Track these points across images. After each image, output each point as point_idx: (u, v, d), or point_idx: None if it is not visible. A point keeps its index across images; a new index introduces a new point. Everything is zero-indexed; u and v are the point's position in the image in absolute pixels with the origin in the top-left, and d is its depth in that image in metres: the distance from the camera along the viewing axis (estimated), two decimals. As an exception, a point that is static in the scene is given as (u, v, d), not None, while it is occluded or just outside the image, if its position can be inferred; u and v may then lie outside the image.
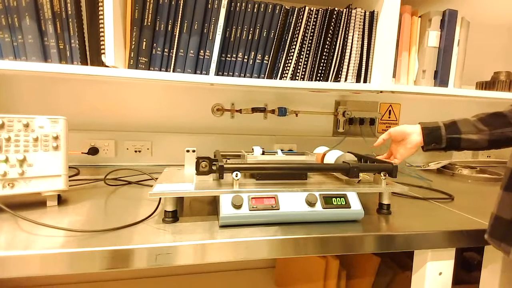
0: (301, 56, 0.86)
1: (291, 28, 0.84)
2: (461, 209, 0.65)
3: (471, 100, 1.29)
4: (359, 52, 0.88)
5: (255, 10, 0.82)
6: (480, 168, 1.09)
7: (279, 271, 1.06)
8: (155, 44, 0.78)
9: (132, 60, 0.77)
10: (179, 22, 0.78)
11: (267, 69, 0.85)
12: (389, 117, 1.20)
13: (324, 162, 0.66)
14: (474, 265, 0.94)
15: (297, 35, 0.84)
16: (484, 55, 1.27)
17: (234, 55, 0.84)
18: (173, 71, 0.80)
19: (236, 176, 0.51)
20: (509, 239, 0.46)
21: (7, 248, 0.40)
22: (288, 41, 0.85)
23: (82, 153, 0.95)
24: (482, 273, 0.61)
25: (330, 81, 0.88)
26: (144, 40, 0.77)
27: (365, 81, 0.90)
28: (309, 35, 0.85)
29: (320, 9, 0.84)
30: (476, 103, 1.31)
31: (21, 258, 0.40)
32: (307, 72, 0.87)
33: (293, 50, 0.85)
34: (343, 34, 0.87)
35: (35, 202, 0.59)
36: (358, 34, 0.87)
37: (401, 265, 0.90)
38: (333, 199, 0.52)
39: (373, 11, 0.88)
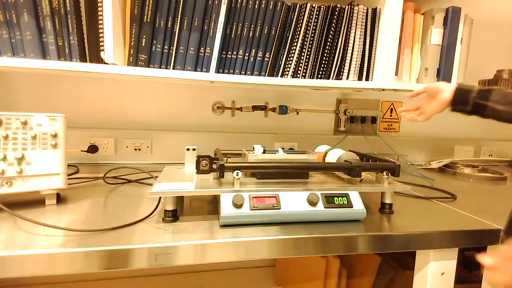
0: (303, 54, 0.85)
1: (293, 25, 0.83)
2: (463, 208, 0.65)
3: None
4: (361, 50, 0.87)
5: (256, 7, 0.81)
6: (482, 167, 1.08)
7: (279, 270, 1.06)
8: (154, 41, 0.77)
9: (131, 57, 0.76)
10: (179, 18, 0.77)
11: (268, 66, 0.84)
12: (391, 116, 1.19)
13: (326, 161, 0.65)
14: (476, 264, 0.94)
15: (298, 32, 0.83)
16: (488, 53, 1.26)
17: (234, 53, 0.83)
18: (173, 68, 0.79)
19: (237, 175, 0.51)
20: None
21: (5, 248, 0.40)
22: (289, 38, 0.84)
23: (81, 151, 0.94)
24: (485, 272, 0.61)
25: (332, 78, 0.87)
26: (144, 37, 0.76)
27: (367, 79, 0.89)
28: (310, 32, 0.84)
29: (322, 6, 0.83)
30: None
31: (20, 258, 0.39)
32: (308, 69, 0.86)
33: (294, 47, 0.84)
34: (345, 31, 0.86)
35: (34, 201, 0.58)
36: (360, 31, 0.86)
37: (402, 265, 0.90)
38: (335, 198, 0.52)
39: (376, 8, 0.87)
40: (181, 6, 0.76)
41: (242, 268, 1.14)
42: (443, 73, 0.93)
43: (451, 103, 0.66)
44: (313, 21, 0.83)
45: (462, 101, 0.65)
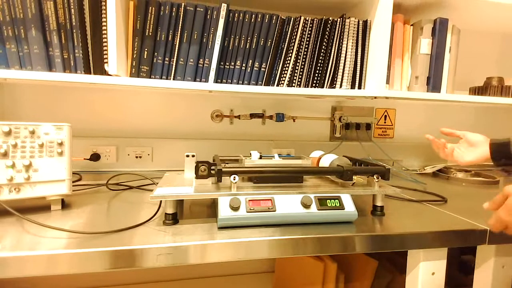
0: (297, 64, 0.88)
1: (287, 37, 0.87)
2: (453, 210, 0.67)
3: (464, 105, 1.32)
4: (353, 60, 0.91)
5: (252, 20, 0.85)
6: (475, 172, 1.11)
7: (278, 276, 1.07)
8: (156, 53, 0.81)
9: (134, 69, 0.80)
10: (179, 32, 0.81)
11: (265, 76, 0.88)
12: (385, 122, 1.22)
13: (319, 165, 0.68)
14: (472, 268, 0.95)
15: (293, 43, 0.87)
16: (477, 61, 1.31)
17: (232, 63, 0.86)
18: (174, 79, 0.83)
19: (234, 179, 0.53)
20: None
21: (15, 249, 0.42)
22: (284, 50, 0.88)
23: (84, 159, 0.97)
24: (475, 272, 0.63)
25: (326, 87, 0.91)
26: (146, 49, 0.80)
27: (359, 87, 0.93)
28: (304, 43, 0.88)
29: (315, 19, 0.88)
30: (470, 108, 1.34)
31: (28, 259, 0.42)
32: (303, 78, 0.90)
33: (289, 58, 0.88)
34: (337, 42, 0.90)
35: (40, 206, 0.60)
36: (352, 42, 0.90)
37: (398, 268, 0.92)
38: (328, 201, 0.54)
39: (366, 20, 0.91)
40: (181, 20, 0.81)
41: (240, 275, 1.15)
42: (433, 81, 0.97)
43: (492, 157, 0.70)
44: (306, 33, 0.88)
45: (504, 155, 0.68)
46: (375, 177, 0.59)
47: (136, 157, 1.02)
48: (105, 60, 0.78)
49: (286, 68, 0.88)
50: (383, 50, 0.88)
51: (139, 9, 0.79)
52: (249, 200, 0.52)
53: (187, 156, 0.65)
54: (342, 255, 0.99)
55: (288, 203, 0.53)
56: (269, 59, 0.87)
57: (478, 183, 1.00)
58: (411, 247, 0.54)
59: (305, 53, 0.88)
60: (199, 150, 1.06)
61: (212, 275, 1.13)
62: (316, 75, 0.90)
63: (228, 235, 0.49)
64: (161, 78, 0.82)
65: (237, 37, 0.85)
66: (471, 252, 0.99)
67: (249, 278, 1.13)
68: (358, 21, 0.90)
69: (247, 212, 0.51)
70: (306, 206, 0.53)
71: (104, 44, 0.77)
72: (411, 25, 0.98)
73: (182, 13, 0.80)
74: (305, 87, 0.90)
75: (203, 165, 0.54)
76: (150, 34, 0.80)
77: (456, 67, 1.00)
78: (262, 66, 0.88)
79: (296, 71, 0.89)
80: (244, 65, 0.87)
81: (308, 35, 0.88)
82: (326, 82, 0.91)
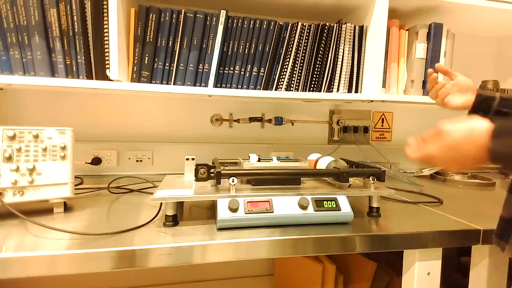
0: (295, 68, 0.90)
1: (285, 42, 0.89)
2: (449, 212, 0.68)
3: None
4: (350, 64, 0.93)
5: (251, 26, 0.87)
6: (472, 174, 1.12)
7: (277, 278, 1.08)
8: (156, 59, 0.83)
9: (135, 74, 0.82)
10: (179, 38, 0.83)
11: (263, 80, 0.90)
12: (382, 125, 1.24)
13: (316, 168, 0.69)
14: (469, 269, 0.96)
15: (291, 48, 0.89)
16: (473, 64, 1.33)
17: (231, 68, 0.88)
18: (174, 84, 0.84)
19: (233, 181, 0.55)
20: (505, 236, 0.49)
21: (18, 250, 0.43)
22: (282, 55, 0.89)
23: (85, 163, 0.98)
24: (471, 273, 0.64)
25: (323, 91, 0.93)
26: (146, 55, 0.82)
27: (356, 91, 0.94)
28: (302, 48, 0.90)
29: (312, 24, 0.90)
30: (466, 111, 1.35)
31: (31, 259, 0.43)
32: (301, 83, 0.91)
33: (287, 62, 0.90)
34: (334, 47, 0.92)
35: (43, 209, 0.62)
36: (349, 47, 0.92)
37: (397, 270, 0.92)
38: (324, 202, 0.55)
39: (362, 25, 0.93)
40: (181, 27, 0.82)
41: (240, 278, 1.16)
42: (428, 84, 0.99)
43: (471, 107, 0.64)
44: (304, 38, 0.89)
45: (484, 107, 0.63)
46: (371, 179, 0.60)
47: (137, 161, 1.03)
48: (106, 66, 0.79)
49: (284, 73, 0.90)
50: (379, 55, 0.90)
51: (140, 16, 0.81)
52: (248, 202, 0.53)
53: (187, 159, 0.67)
54: (341, 257, 1.00)
55: (285, 204, 0.54)
56: (267, 64, 0.89)
57: (475, 185, 1.01)
58: (407, 247, 0.55)
59: (302, 57, 0.90)
60: (199, 154, 1.08)
61: (211, 278, 1.13)
62: (314, 79, 0.92)
63: (227, 236, 0.50)
64: (161, 83, 0.84)
65: (236, 42, 0.87)
66: (468, 253, 1.00)
67: (248, 281, 1.14)
68: (355, 27, 0.92)
69: (246, 213, 0.52)
70: (303, 207, 0.54)
71: (106, 50, 0.79)
72: (407, 30, 1.00)
73: (182, 19, 0.82)
74: (303, 91, 0.92)
75: (202, 168, 0.55)
76: (151, 40, 0.82)
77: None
78: (261, 70, 0.89)
79: (294, 75, 0.90)
80: (243, 69, 0.88)
81: (306, 40, 0.90)
82: (323, 86, 0.93)
